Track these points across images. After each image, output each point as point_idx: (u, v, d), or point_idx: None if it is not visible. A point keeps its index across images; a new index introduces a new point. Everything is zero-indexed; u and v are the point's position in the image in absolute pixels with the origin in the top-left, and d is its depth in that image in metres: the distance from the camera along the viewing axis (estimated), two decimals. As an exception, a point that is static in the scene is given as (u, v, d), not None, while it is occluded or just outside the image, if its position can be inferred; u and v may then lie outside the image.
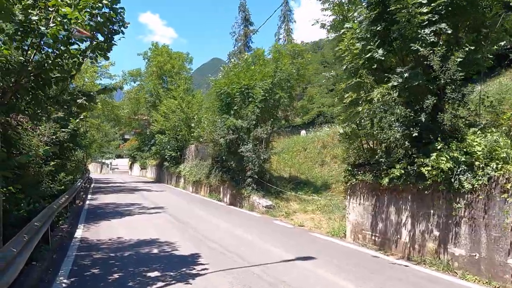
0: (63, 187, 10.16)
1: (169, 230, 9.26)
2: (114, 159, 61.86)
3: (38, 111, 4.77)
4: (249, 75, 14.42)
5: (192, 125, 21.42)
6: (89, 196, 18.33)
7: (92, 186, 26.32)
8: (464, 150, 5.57)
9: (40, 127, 8.99)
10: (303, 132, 28.45)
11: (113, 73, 25.41)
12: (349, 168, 8.00)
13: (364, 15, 6.76)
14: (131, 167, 49.62)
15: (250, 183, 13.31)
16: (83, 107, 5.34)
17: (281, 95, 14.03)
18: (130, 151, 45.82)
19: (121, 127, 38.78)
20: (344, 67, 7.25)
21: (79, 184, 15.74)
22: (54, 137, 9.30)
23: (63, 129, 9.81)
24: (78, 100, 5.14)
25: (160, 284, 5.10)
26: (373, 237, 7.46)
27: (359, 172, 7.77)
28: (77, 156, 16.50)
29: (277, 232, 9.02)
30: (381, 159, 6.91)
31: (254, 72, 14.62)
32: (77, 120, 10.89)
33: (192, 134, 20.33)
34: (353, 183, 7.93)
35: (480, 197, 5.30)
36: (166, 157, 26.33)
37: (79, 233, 8.86)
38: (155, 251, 7.06)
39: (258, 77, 14.30)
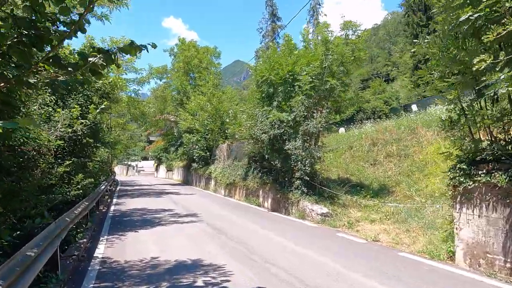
0: (81, 191, 8.39)
1: (210, 246, 7.31)
2: (140, 161, 61.66)
3: (24, 72, 2.91)
4: (292, 60, 12.39)
5: (227, 120, 19.49)
6: (115, 200, 16.78)
7: (118, 189, 24.97)
8: None
9: (54, 116, 7.27)
10: (341, 129, 26.17)
11: (138, 67, 23.93)
12: (463, 167, 5.75)
13: None
14: (157, 169, 48.58)
15: (299, 186, 11.21)
16: (97, 72, 3.42)
17: (333, 83, 11.87)
18: (156, 153, 44.76)
19: (147, 127, 37.57)
20: (460, 19, 5.01)
21: (103, 187, 14.11)
22: (70, 130, 7.55)
23: (82, 120, 8.02)
24: (90, 59, 3.23)
25: None
26: (507, 265, 5.20)
27: (480, 172, 5.54)
28: (102, 156, 14.87)
29: (352, 251, 6.88)
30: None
31: (298, 56, 12.56)
32: (97, 110, 9.15)
33: (227, 131, 18.39)
34: (468, 187, 5.68)
35: None
36: (194, 157, 24.56)
37: (100, 250, 7.06)
38: (200, 282, 5.08)
39: (303, 61, 12.23)
